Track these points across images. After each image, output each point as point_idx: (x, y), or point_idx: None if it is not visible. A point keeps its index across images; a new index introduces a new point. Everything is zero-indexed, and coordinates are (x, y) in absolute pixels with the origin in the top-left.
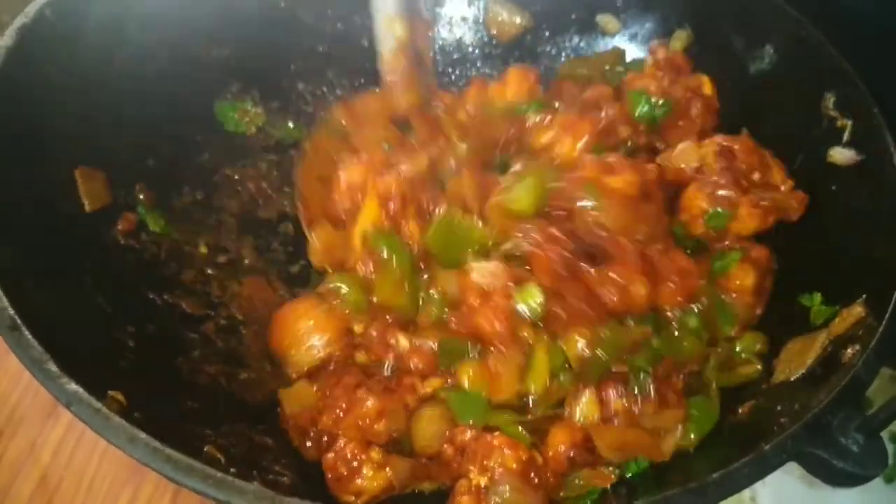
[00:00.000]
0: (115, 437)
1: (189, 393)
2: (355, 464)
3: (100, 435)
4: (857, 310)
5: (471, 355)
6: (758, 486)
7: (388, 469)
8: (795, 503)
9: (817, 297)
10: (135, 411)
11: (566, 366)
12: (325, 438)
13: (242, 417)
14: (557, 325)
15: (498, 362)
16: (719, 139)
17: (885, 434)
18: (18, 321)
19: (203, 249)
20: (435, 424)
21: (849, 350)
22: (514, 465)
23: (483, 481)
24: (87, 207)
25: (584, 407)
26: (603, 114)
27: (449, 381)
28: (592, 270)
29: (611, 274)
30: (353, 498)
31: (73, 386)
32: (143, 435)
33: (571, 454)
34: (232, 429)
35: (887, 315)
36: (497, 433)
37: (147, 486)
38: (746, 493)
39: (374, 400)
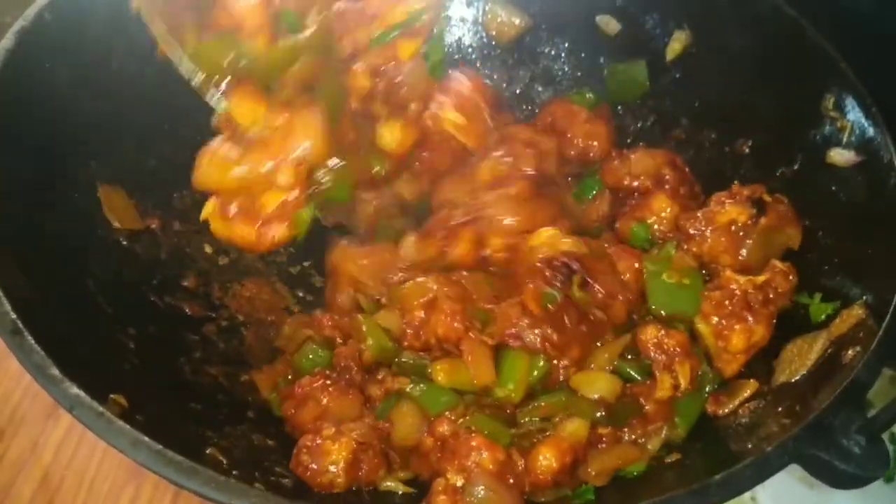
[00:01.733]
0: (117, 441)
1: (191, 395)
2: (317, 453)
3: (102, 439)
4: (857, 311)
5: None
6: (758, 486)
7: (347, 434)
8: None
9: (817, 295)
10: (137, 414)
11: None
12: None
13: (244, 419)
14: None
15: (468, 353)
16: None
17: (884, 435)
18: (20, 325)
19: (205, 250)
20: (411, 418)
21: (849, 351)
22: (491, 466)
23: (459, 481)
24: (116, 225)
25: (573, 425)
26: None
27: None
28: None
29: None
30: (330, 471)
31: (75, 390)
32: (145, 438)
33: (556, 479)
34: (234, 430)
35: (888, 316)
36: (476, 433)
37: (148, 486)
38: (747, 493)
39: (313, 402)
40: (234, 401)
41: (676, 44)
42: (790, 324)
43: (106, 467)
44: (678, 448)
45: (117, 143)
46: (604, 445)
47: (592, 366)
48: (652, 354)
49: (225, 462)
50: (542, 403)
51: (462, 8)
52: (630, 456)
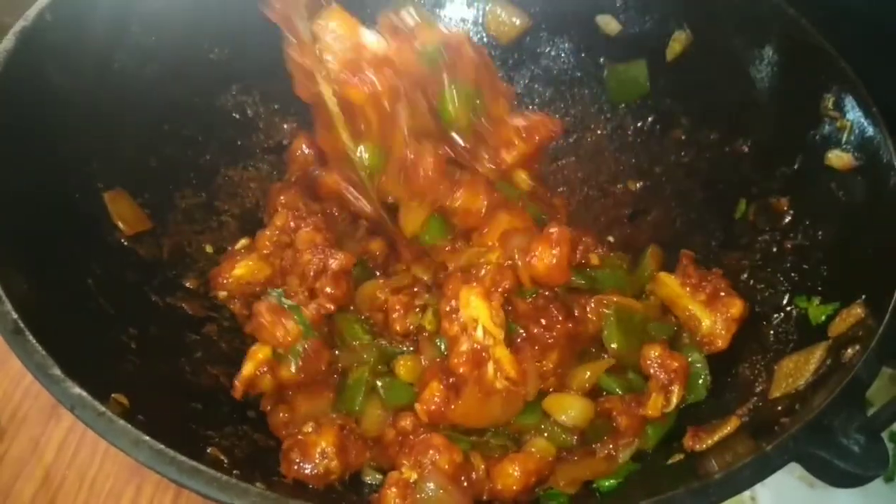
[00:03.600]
0: (118, 441)
1: (192, 395)
2: (304, 447)
3: (104, 438)
4: (857, 310)
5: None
6: (758, 486)
7: (327, 422)
8: (795, 503)
9: (815, 298)
10: (138, 414)
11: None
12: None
13: (245, 419)
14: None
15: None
16: None
17: (884, 434)
18: (21, 325)
19: (206, 250)
20: (378, 409)
21: (849, 350)
22: (447, 466)
23: (413, 476)
24: (126, 231)
25: (542, 443)
26: None
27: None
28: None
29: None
30: (322, 460)
31: (77, 390)
32: (146, 438)
33: (516, 497)
34: (235, 430)
35: (887, 315)
36: (437, 433)
37: (149, 486)
38: (747, 493)
39: (284, 406)
40: (235, 401)
41: (676, 44)
42: (789, 325)
43: (107, 467)
44: (680, 449)
45: (118, 144)
46: (575, 458)
47: (573, 386)
48: (652, 372)
49: (226, 461)
50: (512, 422)
51: (462, 8)
52: (600, 469)
